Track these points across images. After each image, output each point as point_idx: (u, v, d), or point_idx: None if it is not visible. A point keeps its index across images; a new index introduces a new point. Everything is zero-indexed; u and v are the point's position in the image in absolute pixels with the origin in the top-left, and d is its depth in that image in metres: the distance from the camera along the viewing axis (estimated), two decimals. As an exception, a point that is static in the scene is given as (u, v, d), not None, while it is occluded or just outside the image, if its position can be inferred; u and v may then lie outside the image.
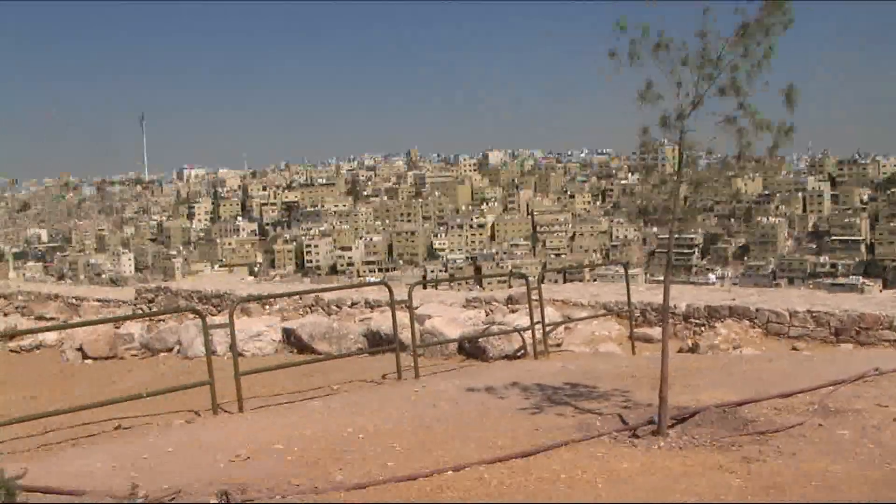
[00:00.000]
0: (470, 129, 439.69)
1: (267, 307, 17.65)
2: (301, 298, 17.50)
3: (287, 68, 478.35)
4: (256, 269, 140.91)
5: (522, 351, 12.53)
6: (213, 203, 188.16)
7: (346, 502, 6.13)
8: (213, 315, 17.51)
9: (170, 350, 14.85)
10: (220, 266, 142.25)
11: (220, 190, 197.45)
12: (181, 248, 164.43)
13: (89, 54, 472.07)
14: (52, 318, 22.18)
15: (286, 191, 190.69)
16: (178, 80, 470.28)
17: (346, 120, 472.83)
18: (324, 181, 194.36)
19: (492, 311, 15.51)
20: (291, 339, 13.97)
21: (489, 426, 8.00)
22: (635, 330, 13.59)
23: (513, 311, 14.80)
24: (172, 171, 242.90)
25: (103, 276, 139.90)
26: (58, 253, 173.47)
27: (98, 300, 23.34)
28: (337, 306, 17.13)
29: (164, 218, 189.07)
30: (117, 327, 15.78)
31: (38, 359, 16.09)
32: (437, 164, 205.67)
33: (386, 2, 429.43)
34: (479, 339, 12.69)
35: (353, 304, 17.19)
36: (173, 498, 6.19)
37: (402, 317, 11.64)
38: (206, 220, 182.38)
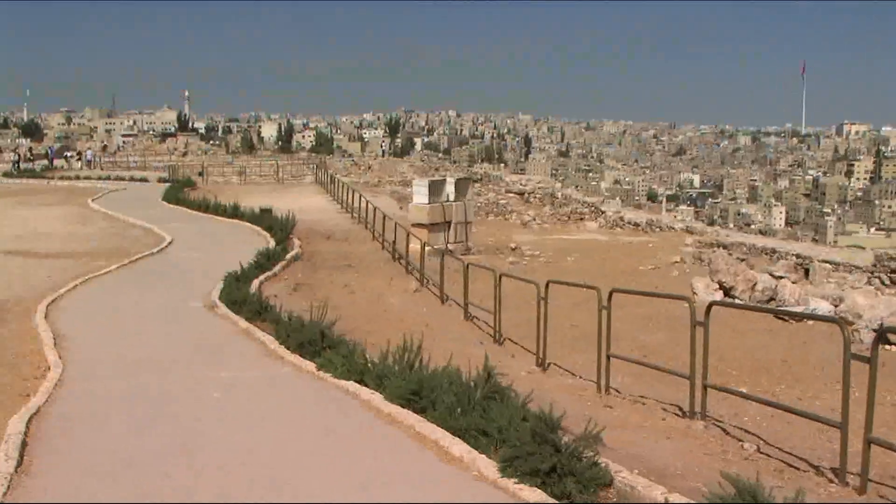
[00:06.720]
0: None
1: None
2: None
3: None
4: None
5: None
6: (874, 162, 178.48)
7: None
8: None
9: None
10: (875, 230, 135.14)
11: (882, 149, 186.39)
12: (836, 206, 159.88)
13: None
14: (780, 277, 19.35)
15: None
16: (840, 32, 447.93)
17: None
18: None
19: None
20: None
21: None
22: None
23: None
24: (831, 125, 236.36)
25: (752, 226, 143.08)
26: (709, 199, 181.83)
27: (824, 261, 23.35)
28: None
29: (819, 173, 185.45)
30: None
31: (813, 335, 12.41)
32: None
33: None
34: None
35: None
36: None
37: None
38: (865, 179, 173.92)
